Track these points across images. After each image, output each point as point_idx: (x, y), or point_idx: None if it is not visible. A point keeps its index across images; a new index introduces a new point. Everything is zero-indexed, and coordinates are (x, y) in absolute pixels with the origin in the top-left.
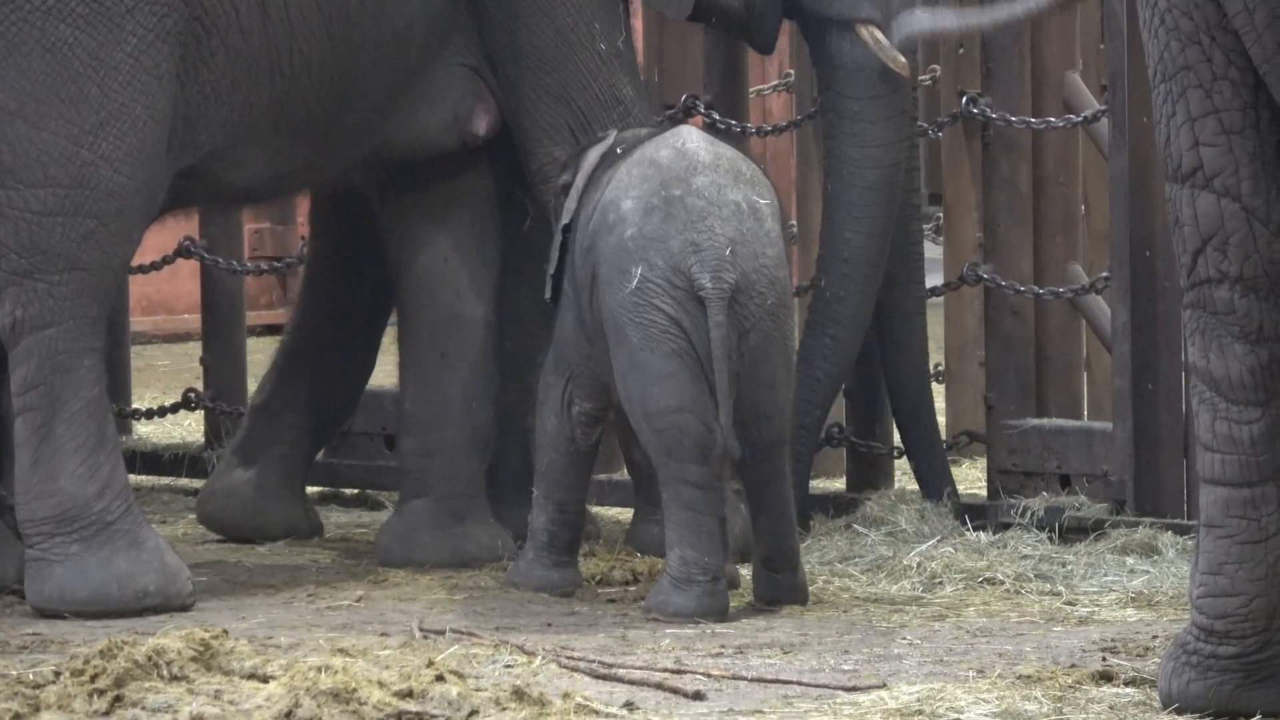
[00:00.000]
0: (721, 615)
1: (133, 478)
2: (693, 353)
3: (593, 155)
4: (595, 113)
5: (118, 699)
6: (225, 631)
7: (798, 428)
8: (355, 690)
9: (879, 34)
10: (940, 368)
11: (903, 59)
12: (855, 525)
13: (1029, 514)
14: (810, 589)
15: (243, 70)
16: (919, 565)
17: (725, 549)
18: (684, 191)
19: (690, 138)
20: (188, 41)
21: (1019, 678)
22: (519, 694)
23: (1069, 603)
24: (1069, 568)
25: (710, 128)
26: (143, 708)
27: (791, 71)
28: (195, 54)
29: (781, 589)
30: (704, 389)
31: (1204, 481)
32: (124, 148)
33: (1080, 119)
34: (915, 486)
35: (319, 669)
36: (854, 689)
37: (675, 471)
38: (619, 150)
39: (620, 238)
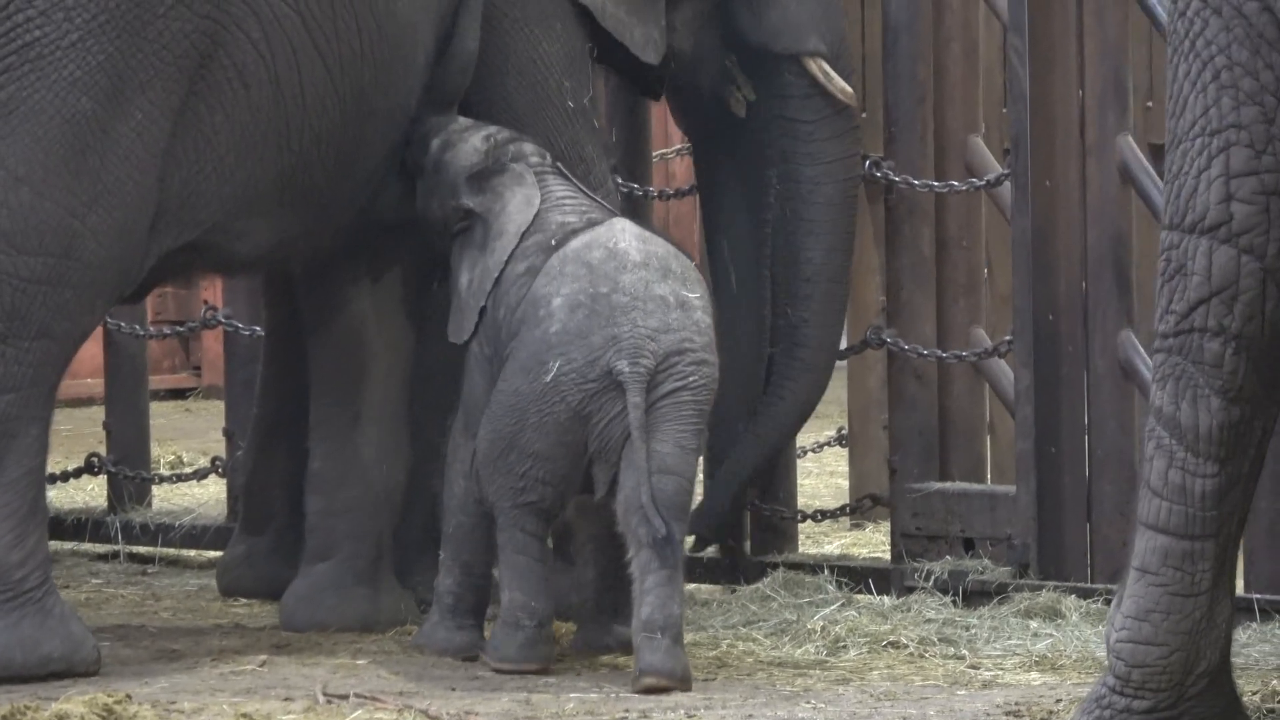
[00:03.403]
0: (543, 664)
1: None
2: (583, 444)
3: (513, 220)
4: None
5: None
6: (129, 696)
7: (754, 446)
8: None
9: (825, 65)
10: (844, 431)
11: (849, 89)
12: (760, 588)
13: (932, 577)
14: (714, 653)
15: (249, 147)
16: (823, 629)
17: (551, 595)
18: (611, 289)
19: (623, 237)
20: (189, 120)
21: None
22: None
23: (973, 666)
24: (973, 631)
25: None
26: None
27: None
28: (198, 132)
29: (659, 652)
30: (577, 473)
31: (1145, 526)
32: (110, 221)
33: (983, 182)
34: (817, 550)
35: None
36: None
37: (515, 519)
38: (554, 242)
39: (545, 332)
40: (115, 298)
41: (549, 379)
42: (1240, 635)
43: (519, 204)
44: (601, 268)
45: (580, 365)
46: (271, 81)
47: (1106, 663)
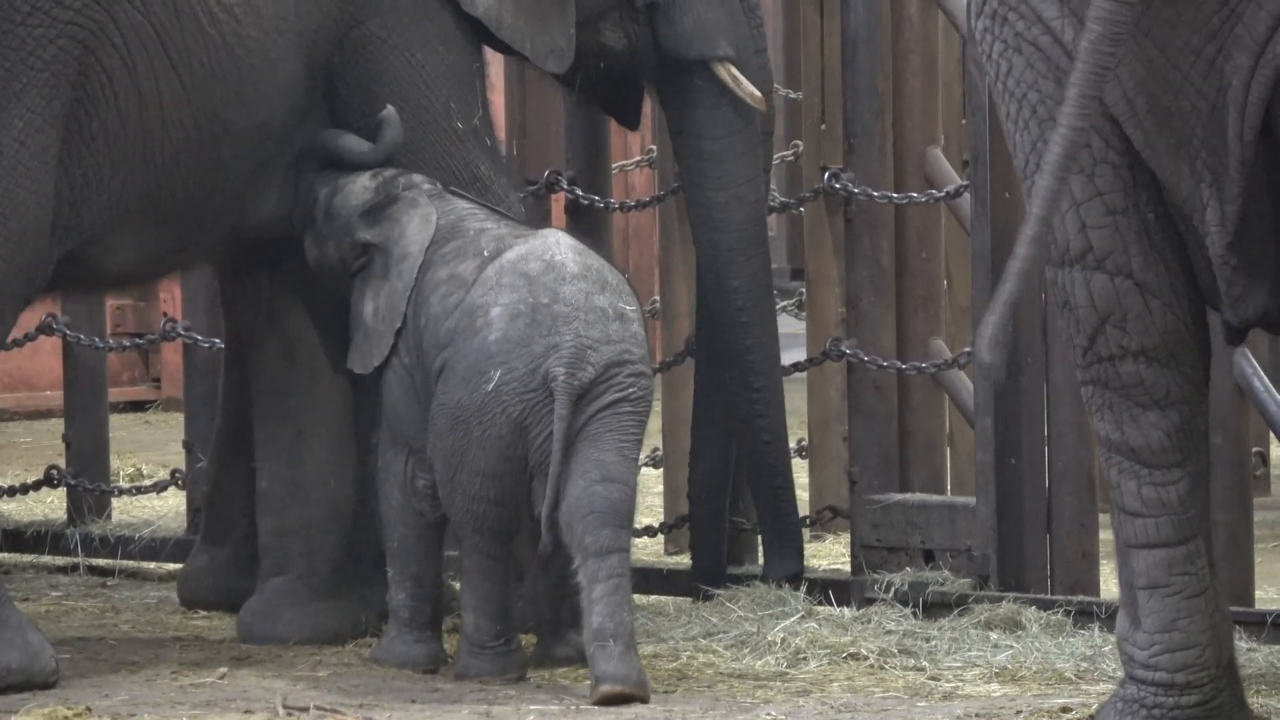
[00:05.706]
0: (519, 673)
1: None
2: (524, 458)
3: (414, 240)
4: None
5: None
6: (88, 709)
7: (767, 492)
8: None
9: (735, 71)
10: (803, 442)
11: (758, 94)
12: (720, 600)
13: (892, 589)
14: (674, 665)
15: (120, 157)
16: (783, 641)
17: (514, 614)
18: (551, 299)
19: (558, 249)
20: (71, 125)
21: None
22: None
23: (933, 678)
24: (933, 643)
25: (573, 203)
26: None
27: (654, 147)
28: (79, 138)
29: (612, 660)
30: (523, 488)
31: (1138, 547)
32: (5, 232)
33: (942, 194)
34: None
35: None
36: None
37: (479, 545)
38: (486, 252)
39: (484, 341)
40: (24, 306)
41: (490, 388)
42: None
43: (417, 225)
44: (540, 279)
45: (522, 374)
46: (135, 91)
47: (1132, 674)
